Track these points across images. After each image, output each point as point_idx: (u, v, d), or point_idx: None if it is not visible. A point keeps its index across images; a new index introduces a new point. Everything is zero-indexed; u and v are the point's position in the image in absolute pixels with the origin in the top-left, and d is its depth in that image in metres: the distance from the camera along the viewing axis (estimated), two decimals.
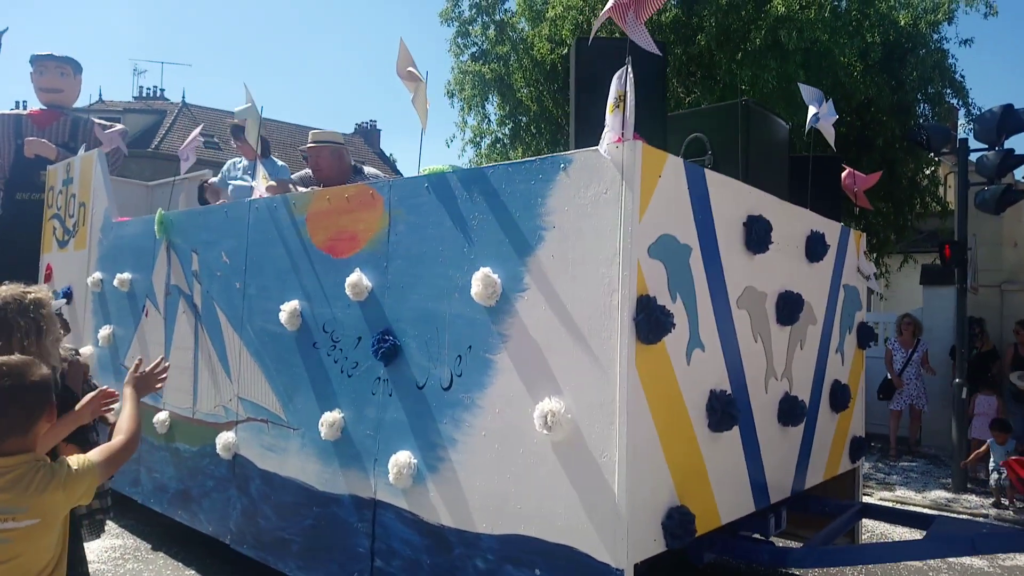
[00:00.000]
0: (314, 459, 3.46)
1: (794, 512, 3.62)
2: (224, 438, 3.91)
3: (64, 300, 5.12)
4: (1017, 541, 3.23)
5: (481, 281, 2.79)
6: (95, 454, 2.02)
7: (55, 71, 11.54)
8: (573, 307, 2.57)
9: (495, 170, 2.89)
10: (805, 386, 3.49)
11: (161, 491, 4.40)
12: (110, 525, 4.45)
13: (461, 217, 2.97)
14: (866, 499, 4.56)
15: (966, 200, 8.32)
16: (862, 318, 4.10)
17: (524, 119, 19.36)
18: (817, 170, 3.81)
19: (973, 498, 6.72)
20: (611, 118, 2.49)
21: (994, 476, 6.35)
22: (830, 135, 3.64)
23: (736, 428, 2.91)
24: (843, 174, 4.26)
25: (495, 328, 2.81)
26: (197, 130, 4.85)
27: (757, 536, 3.35)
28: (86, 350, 5.03)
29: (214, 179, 5.65)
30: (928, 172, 13.42)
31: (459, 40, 19.48)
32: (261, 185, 4.04)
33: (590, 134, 2.77)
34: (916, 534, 3.83)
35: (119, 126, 6.49)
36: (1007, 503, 6.31)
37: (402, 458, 3.02)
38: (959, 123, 14.22)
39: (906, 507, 5.83)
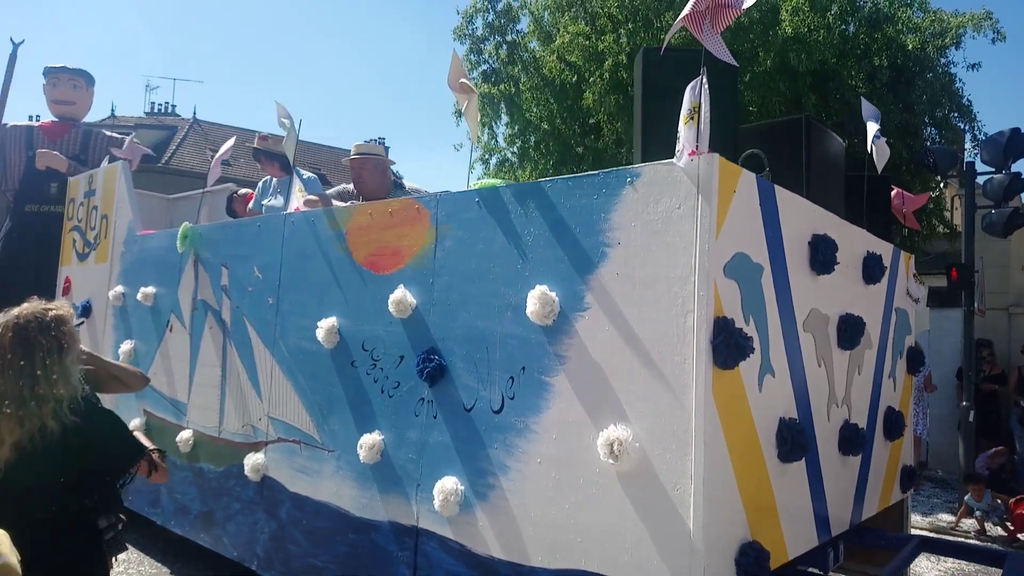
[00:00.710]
0: (350, 483, 3.26)
1: (848, 544, 3.42)
2: (252, 459, 3.71)
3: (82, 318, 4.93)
4: None
5: (538, 299, 2.62)
6: None
7: (68, 83, 11.46)
8: (641, 328, 2.40)
9: (553, 184, 2.73)
10: (862, 413, 3.31)
11: (182, 513, 4.19)
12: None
13: (515, 233, 2.81)
14: None
15: (973, 223, 8.22)
16: (911, 342, 3.93)
17: (533, 138, 19.36)
18: (867, 189, 3.67)
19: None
20: (685, 130, 2.34)
21: (978, 514, 6.51)
22: (885, 155, 3.50)
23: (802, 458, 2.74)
24: (892, 194, 4.12)
25: (552, 349, 2.64)
26: (229, 143, 4.70)
27: (815, 571, 3.15)
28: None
29: (244, 190, 5.51)
30: (935, 195, 13.35)
31: (471, 57, 19.51)
32: (297, 199, 3.88)
33: (657, 147, 2.63)
34: (966, 567, 3.63)
35: (130, 138, 6.37)
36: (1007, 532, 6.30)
37: (448, 484, 2.83)
38: (966, 146, 14.16)
39: (969, 541, 5.65)
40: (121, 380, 2.64)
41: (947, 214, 13.77)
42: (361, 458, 3.15)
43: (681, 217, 2.34)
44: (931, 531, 6.17)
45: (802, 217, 2.84)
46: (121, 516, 2.63)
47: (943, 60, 15.28)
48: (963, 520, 6.64)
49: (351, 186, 4.17)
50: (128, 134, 12.54)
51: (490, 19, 19.69)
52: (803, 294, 2.80)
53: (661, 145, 2.59)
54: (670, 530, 2.26)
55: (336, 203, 3.94)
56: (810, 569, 3.18)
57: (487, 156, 20.63)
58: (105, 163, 5.66)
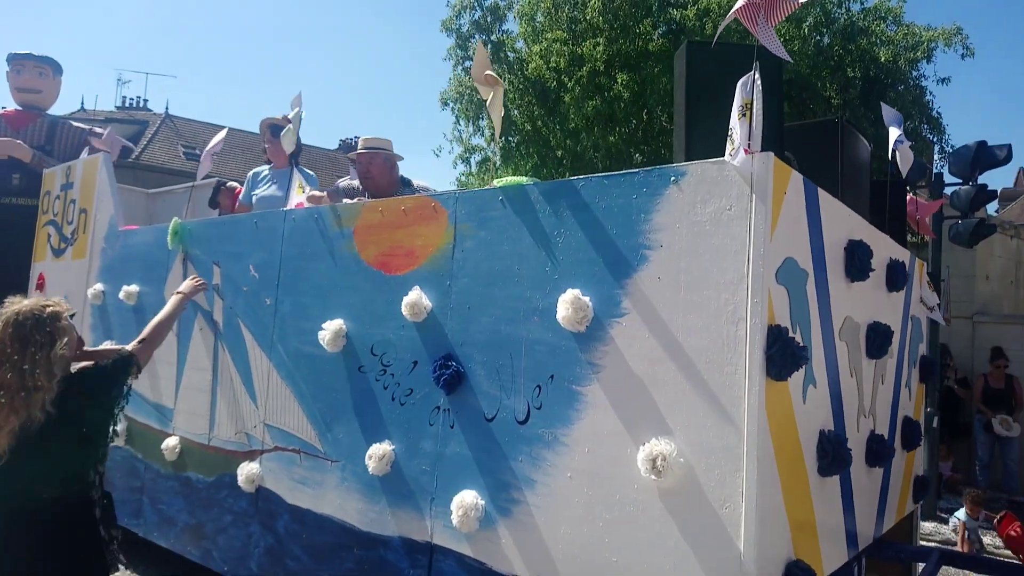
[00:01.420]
0: (357, 495, 3.04)
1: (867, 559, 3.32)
2: (247, 469, 3.45)
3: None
4: None
5: (570, 304, 2.44)
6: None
7: (33, 71, 10.81)
8: (686, 336, 2.24)
9: (587, 183, 2.56)
10: (884, 423, 3.21)
11: (168, 524, 3.91)
12: None
13: (543, 233, 2.63)
14: None
15: (941, 233, 8.32)
16: (923, 351, 3.85)
17: (515, 139, 19.19)
18: (883, 195, 3.58)
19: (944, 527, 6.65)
20: (738, 127, 2.19)
21: (967, 532, 6.19)
22: (908, 159, 3.42)
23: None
24: (907, 200, 4.06)
25: (584, 357, 2.46)
26: (221, 134, 4.41)
27: None
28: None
29: (232, 183, 5.22)
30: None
31: (457, 51, 19.22)
32: (296, 196, 3.64)
33: (702, 145, 2.48)
34: None
35: (109, 130, 6.01)
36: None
37: (468, 499, 2.64)
38: (935, 158, 14.41)
39: (986, 555, 5.56)
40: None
41: (914, 224, 14.03)
42: (369, 469, 2.93)
43: (732, 219, 2.18)
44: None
45: (840, 221, 2.71)
46: (114, 533, 2.44)
47: (914, 73, 15.54)
48: (942, 532, 6.60)
49: (357, 182, 3.94)
50: (98, 127, 11.97)
51: (476, 17, 19.53)
52: (839, 302, 2.67)
53: (708, 145, 2.44)
54: (718, 550, 2.10)
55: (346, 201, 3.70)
56: None
57: (467, 154, 20.42)
58: (85, 155, 5.31)
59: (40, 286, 5.40)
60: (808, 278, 2.41)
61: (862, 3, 14.77)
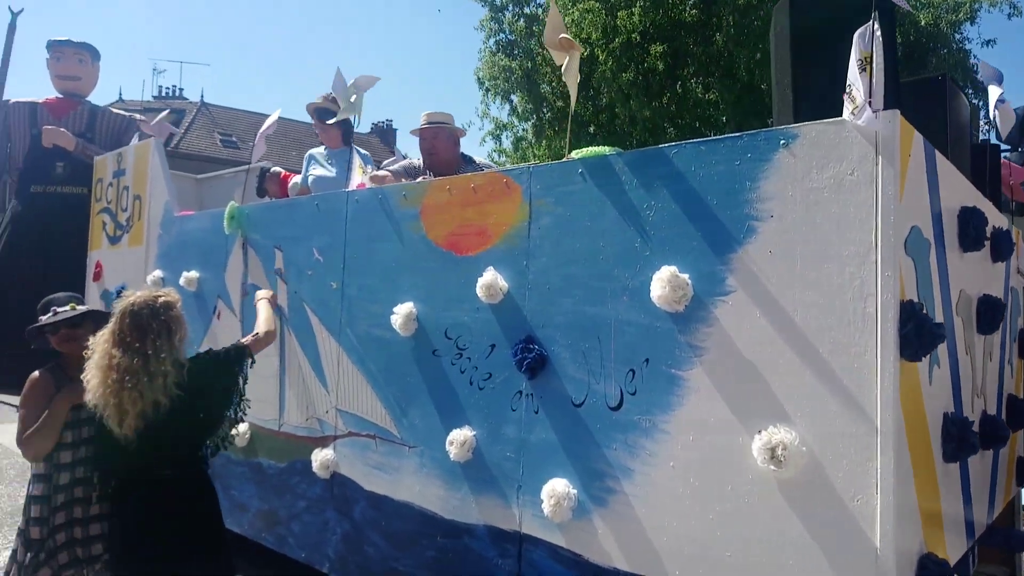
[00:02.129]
0: (437, 482, 2.90)
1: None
2: (321, 455, 3.34)
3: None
4: None
5: (667, 282, 2.23)
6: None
7: (73, 57, 10.63)
8: (804, 315, 2.02)
9: (680, 150, 2.33)
10: (993, 403, 2.95)
11: (240, 510, 3.83)
12: None
13: (631, 207, 2.41)
14: None
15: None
16: (1022, 324, 3.57)
17: (548, 115, 18.77)
18: (980, 159, 3.28)
19: None
20: (858, 83, 1.94)
21: None
22: (1010, 120, 3.12)
23: None
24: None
25: (683, 339, 2.26)
26: (274, 116, 4.23)
27: None
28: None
29: (276, 168, 5.06)
30: None
31: (491, 23, 18.76)
32: (358, 176, 3.46)
33: (809, 105, 2.23)
34: None
35: (164, 113, 5.88)
36: None
37: (559, 487, 2.47)
38: (980, 123, 13.72)
39: None
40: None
41: (1007, 190, 13.44)
42: (451, 455, 2.78)
43: (856, 184, 1.94)
44: None
45: (953, 187, 2.44)
46: None
47: (957, 36, 14.75)
48: None
49: (416, 160, 3.75)
50: (137, 114, 11.87)
51: None
52: (955, 274, 2.42)
53: (818, 105, 2.19)
54: (849, 545, 1.90)
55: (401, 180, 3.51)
56: None
57: (498, 131, 20.06)
58: (135, 140, 5.20)
59: (97, 275, 5.34)
60: (931, 248, 2.16)
61: None
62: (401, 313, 3.02)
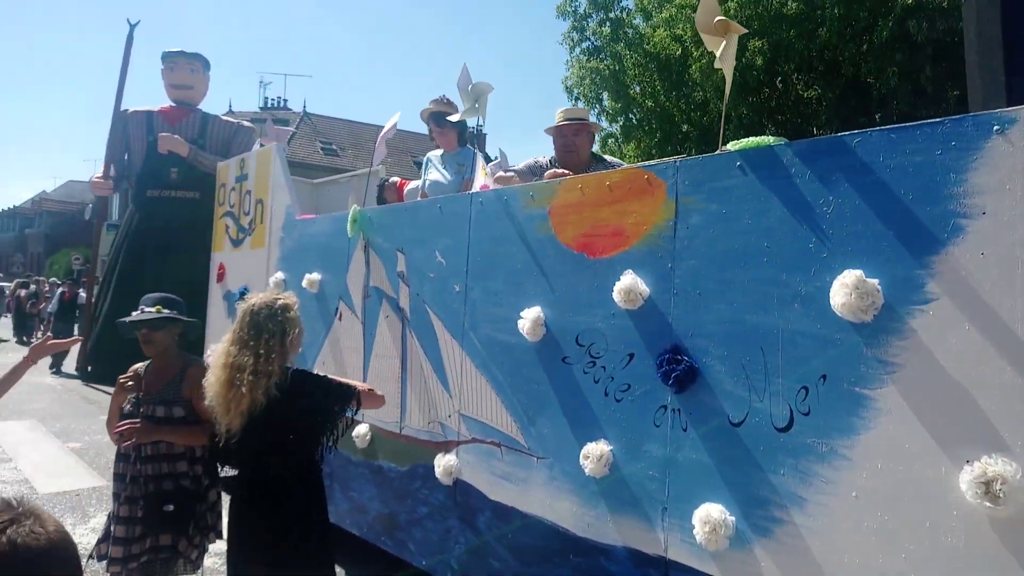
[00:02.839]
0: (570, 497, 2.69)
1: None
2: (444, 461, 3.20)
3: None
4: None
5: (852, 288, 1.92)
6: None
7: (185, 67, 11.09)
8: None
9: (864, 139, 2.01)
10: None
11: (359, 512, 3.77)
12: None
13: (803, 203, 2.11)
14: None
15: None
16: None
17: (636, 115, 18.29)
18: None
19: None
20: None
21: None
22: None
23: None
24: None
25: (871, 353, 1.94)
26: (394, 119, 4.16)
27: None
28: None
29: (395, 178, 5.01)
30: None
31: (573, 34, 18.54)
32: (481, 177, 3.31)
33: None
34: None
35: (287, 128, 6.01)
36: None
37: (714, 513, 2.20)
38: None
39: None
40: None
41: None
42: (586, 470, 2.56)
43: None
44: None
45: None
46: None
47: None
48: None
49: (542, 158, 3.56)
50: (246, 121, 12.30)
51: None
52: None
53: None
54: None
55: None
56: None
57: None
58: (257, 146, 5.30)
59: (221, 276, 5.48)
60: None
61: None
62: (529, 318, 2.83)
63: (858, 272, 1.93)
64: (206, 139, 11.22)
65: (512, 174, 3.35)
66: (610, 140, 17.76)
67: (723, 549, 2.17)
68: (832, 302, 1.96)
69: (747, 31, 2.48)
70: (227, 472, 2.84)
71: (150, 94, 11.06)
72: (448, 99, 4.19)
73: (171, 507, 2.73)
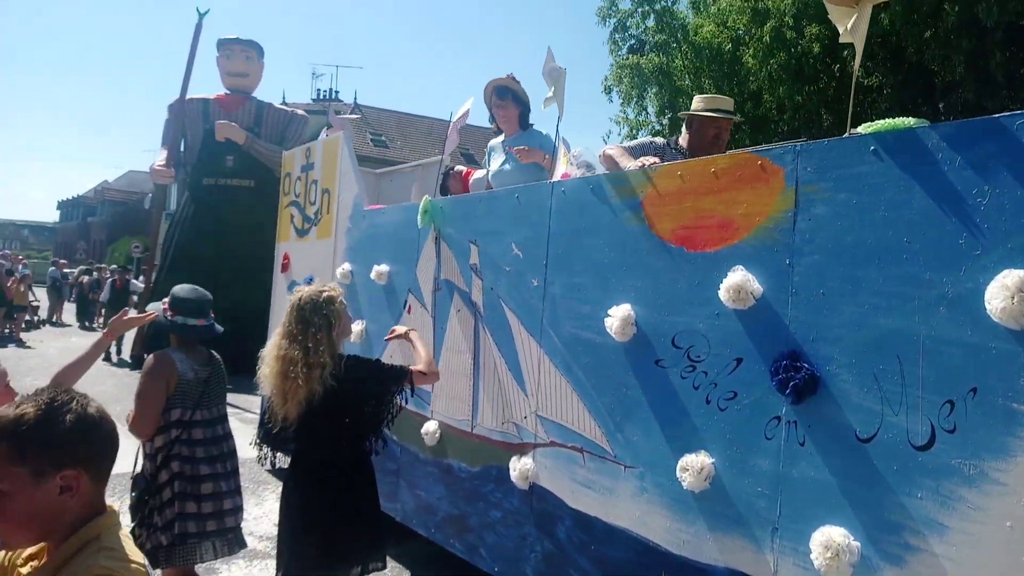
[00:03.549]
0: (662, 511, 2.48)
1: None
2: (520, 464, 3.03)
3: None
4: None
5: (1015, 291, 1.66)
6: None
7: (241, 55, 11.04)
8: None
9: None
10: None
11: (427, 512, 3.64)
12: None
13: (952, 193, 1.85)
14: None
15: None
16: None
17: (685, 105, 17.76)
18: None
19: None
20: None
21: None
22: None
23: None
24: None
25: None
26: (466, 105, 3.97)
27: None
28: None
29: (460, 167, 4.85)
30: None
31: (616, 36, 18.15)
32: (562, 165, 3.11)
33: None
34: None
35: (353, 116, 5.90)
36: None
37: (836, 537, 1.97)
38: None
39: None
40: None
41: None
42: (684, 483, 2.35)
43: None
44: None
45: None
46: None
47: None
48: None
49: (660, 140, 3.32)
50: (300, 111, 12.24)
51: None
52: None
53: None
54: None
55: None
56: None
57: (635, 131, 19.27)
58: (323, 135, 5.21)
59: (285, 266, 5.42)
60: None
61: None
62: (617, 316, 2.63)
63: (1021, 272, 1.67)
64: (262, 127, 11.23)
65: (618, 152, 3.08)
66: (658, 136, 17.28)
67: None
68: (988, 306, 1.71)
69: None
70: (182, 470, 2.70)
71: (203, 81, 11.14)
72: (513, 76, 3.95)
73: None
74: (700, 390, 2.40)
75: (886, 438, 1.93)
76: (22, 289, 14.05)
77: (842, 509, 2.01)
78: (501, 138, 4.11)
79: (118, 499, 2.94)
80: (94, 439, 1.20)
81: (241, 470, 6.13)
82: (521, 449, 3.08)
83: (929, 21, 14.09)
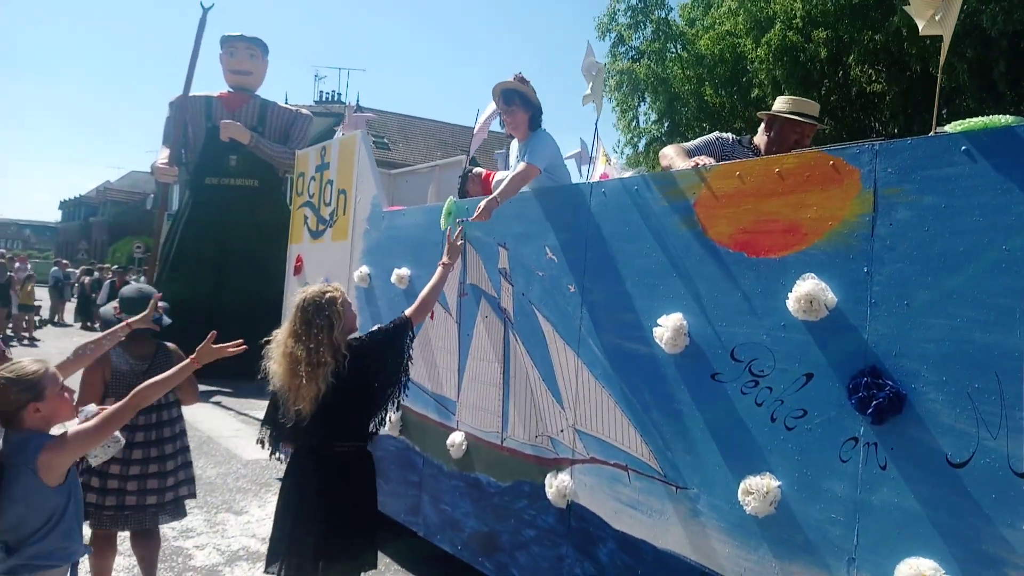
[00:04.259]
0: (721, 536, 2.29)
1: None
2: (557, 480, 2.83)
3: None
4: None
5: None
6: None
7: (245, 52, 10.66)
8: None
9: None
10: None
11: (453, 528, 3.43)
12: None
13: None
14: None
15: None
16: None
17: (684, 112, 17.62)
18: None
19: None
20: None
21: None
22: None
23: None
24: None
25: None
26: (492, 105, 3.74)
27: None
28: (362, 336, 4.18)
29: (479, 168, 4.63)
30: None
31: (616, 50, 17.98)
32: (601, 164, 2.91)
33: None
34: None
35: (370, 116, 5.69)
36: None
37: (926, 570, 1.78)
38: None
39: None
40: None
41: None
42: (747, 508, 2.16)
43: None
44: None
45: None
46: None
47: None
48: None
49: (730, 136, 3.07)
50: (304, 109, 11.94)
51: (634, 2, 18.06)
52: None
53: None
54: None
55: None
56: None
57: (635, 139, 19.09)
58: (339, 134, 5.00)
59: (298, 268, 5.21)
60: None
61: None
62: (669, 326, 2.43)
63: None
64: (265, 126, 10.91)
65: (679, 153, 2.82)
66: (655, 144, 17.08)
67: None
68: None
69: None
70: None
71: (206, 79, 10.81)
72: (522, 76, 3.62)
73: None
74: (764, 407, 2.20)
75: (983, 463, 1.74)
76: (28, 288, 13.84)
77: (931, 540, 1.82)
78: (515, 144, 3.87)
79: None
80: None
81: (244, 472, 5.95)
82: (557, 465, 2.88)
83: None
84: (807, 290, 2.06)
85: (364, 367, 2.53)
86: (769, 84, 15.53)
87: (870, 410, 1.91)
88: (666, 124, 18.40)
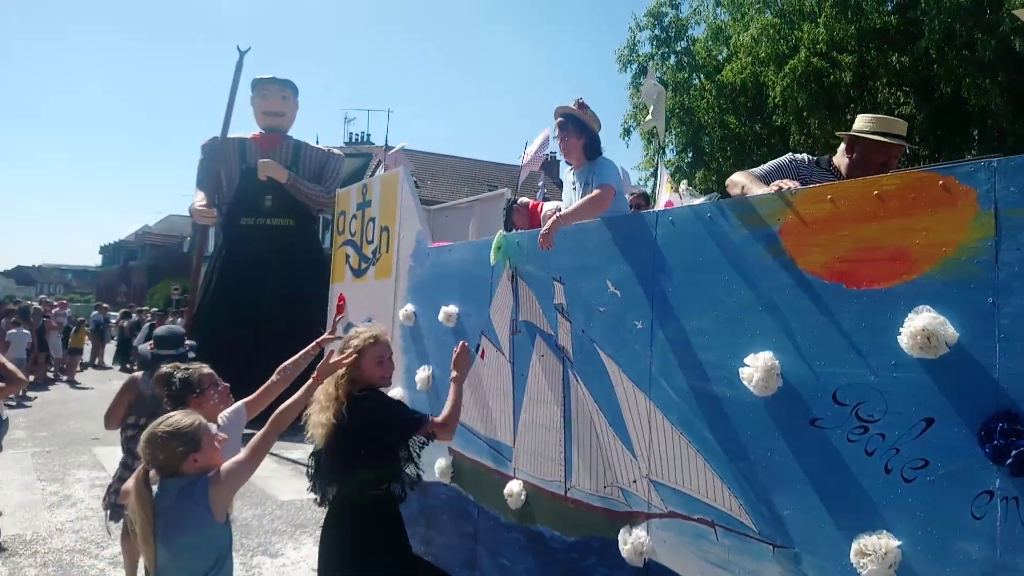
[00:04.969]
0: None
1: None
2: (632, 536, 2.57)
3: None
4: None
5: None
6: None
7: (277, 94, 10.74)
8: None
9: None
10: None
11: None
12: None
13: None
14: None
15: None
16: None
17: (707, 141, 17.46)
18: None
19: None
20: None
21: None
22: None
23: None
24: None
25: None
26: (544, 133, 3.59)
27: None
28: (395, 392, 4.00)
29: (524, 199, 4.47)
30: None
31: (637, 82, 17.97)
32: (666, 191, 2.71)
33: None
34: None
35: (397, 149, 5.61)
36: None
37: None
38: None
39: None
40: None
41: None
42: (864, 571, 1.87)
43: None
44: None
45: None
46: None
47: None
48: None
49: (806, 156, 2.88)
50: (336, 149, 12.00)
51: (657, 32, 18.11)
52: None
53: None
54: None
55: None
56: None
57: (657, 170, 18.96)
58: (380, 171, 4.90)
59: (340, 307, 5.06)
60: None
61: None
62: (758, 366, 2.19)
63: None
64: (299, 166, 10.96)
65: (749, 178, 2.61)
66: (677, 174, 16.90)
67: None
68: None
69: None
70: None
71: (235, 121, 10.85)
72: (582, 101, 3.50)
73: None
74: (876, 456, 1.94)
75: None
76: (81, 333, 14.49)
77: None
78: (570, 172, 3.70)
79: None
80: None
81: (279, 512, 5.86)
82: (631, 519, 2.62)
83: (964, 51, 13.67)
84: (923, 324, 1.82)
85: (353, 425, 2.52)
86: (792, 111, 15.32)
87: (1009, 460, 1.64)
88: (690, 153, 18.25)
